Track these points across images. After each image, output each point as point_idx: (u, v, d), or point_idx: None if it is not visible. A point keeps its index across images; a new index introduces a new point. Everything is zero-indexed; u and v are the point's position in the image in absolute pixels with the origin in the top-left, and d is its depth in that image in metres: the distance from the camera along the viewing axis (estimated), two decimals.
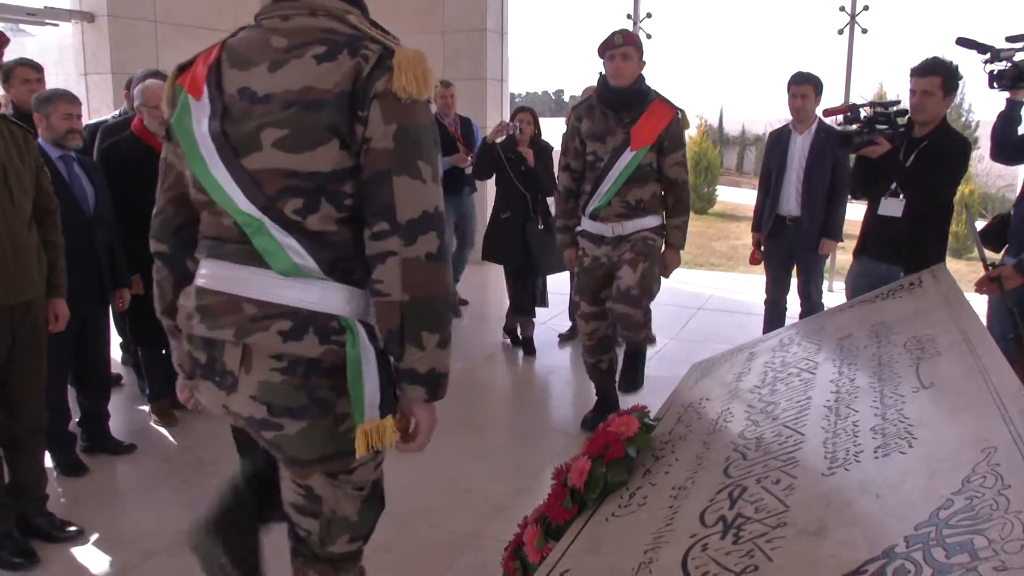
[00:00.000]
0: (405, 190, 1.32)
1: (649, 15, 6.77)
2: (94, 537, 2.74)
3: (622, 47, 3.25)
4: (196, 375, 1.46)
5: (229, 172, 1.37)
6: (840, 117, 3.30)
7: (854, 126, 3.16)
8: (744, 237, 13.07)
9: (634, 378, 3.69)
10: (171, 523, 2.79)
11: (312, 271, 1.36)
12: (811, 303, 4.13)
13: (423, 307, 1.34)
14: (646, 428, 2.14)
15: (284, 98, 1.35)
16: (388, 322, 1.34)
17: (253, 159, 1.36)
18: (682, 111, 3.37)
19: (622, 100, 3.32)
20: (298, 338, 1.35)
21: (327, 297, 1.37)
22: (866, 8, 6.37)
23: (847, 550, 1.16)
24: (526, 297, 4.80)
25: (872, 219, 3.27)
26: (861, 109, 3.19)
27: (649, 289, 3.34)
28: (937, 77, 3.03)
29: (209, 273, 1.44)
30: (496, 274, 5.96)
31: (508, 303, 4.96)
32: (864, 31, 6.39)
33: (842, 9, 6.43)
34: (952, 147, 3.09)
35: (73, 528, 2.75)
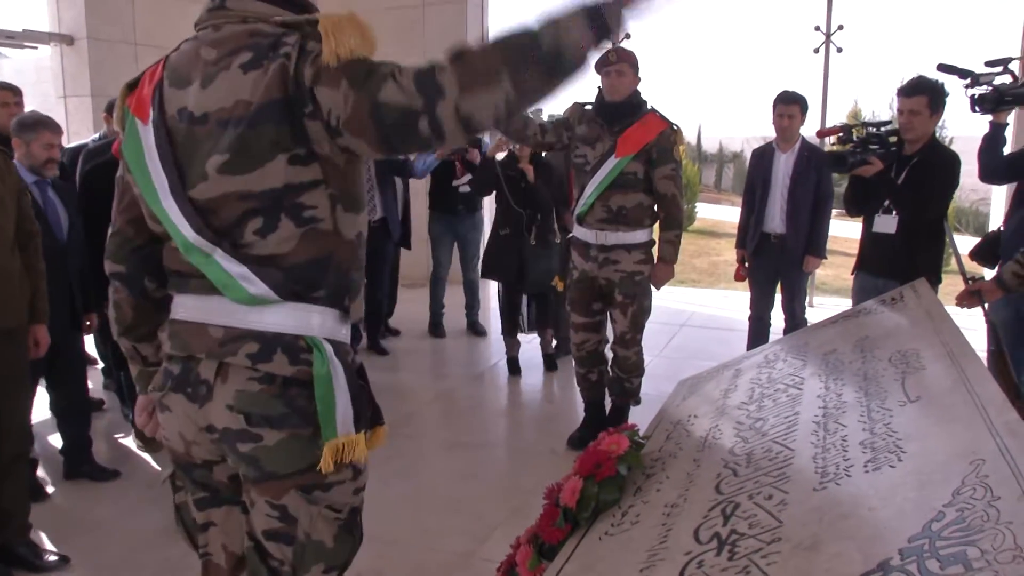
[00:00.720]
0: (393, 93, 1.20)
1: (628, 36, 6.85)
2: (78, 566, 2.70)
3: (616, 64, 3.36)
4: (167, 387, 1.41)
5: (176, 203, 1.33)
6: (833, 138, 3.38)
7: (847, 146, 3.24)
8: (724, 253, 13.17)
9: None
10: (157, 551, 2.76)
11: (269, 298, 1.32)
12: (795, 319, 4.18)
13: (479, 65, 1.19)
14: (636, 446, 2.16)
15: (219, 116, 1.29)
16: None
17: (202, 189, 1.32)
18: (676, 126, 3.44)
19: (616, 114, 3.42)
20: (267, 359, 1.33)
21: (290, 318, 1.34)
22: (840, 27, 6.49)
23: (842, 564, 1.17)
24: (515, 317, 4.82)
25: (867, 236, 3.36)
26: (854, 130, 3.28)
27: (640, 327, 3.58)
28: (923, 96, 3.12)
29: (179, 304, 1.42)
30: (489, 294, 5.98)
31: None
32: (839, 50, 6.51)
33: (817, 28, 6.55)
34: (941, 163, 3.18)
35: (55, 557, 2.71)
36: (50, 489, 3.26)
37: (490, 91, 1.17)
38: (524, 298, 4.88)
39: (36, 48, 6.41)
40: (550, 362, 4.91)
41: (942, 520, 1.15)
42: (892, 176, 3.19)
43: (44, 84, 7.14)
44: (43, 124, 3.05)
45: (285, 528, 1.40)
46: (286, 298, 1.33)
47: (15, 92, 3.86)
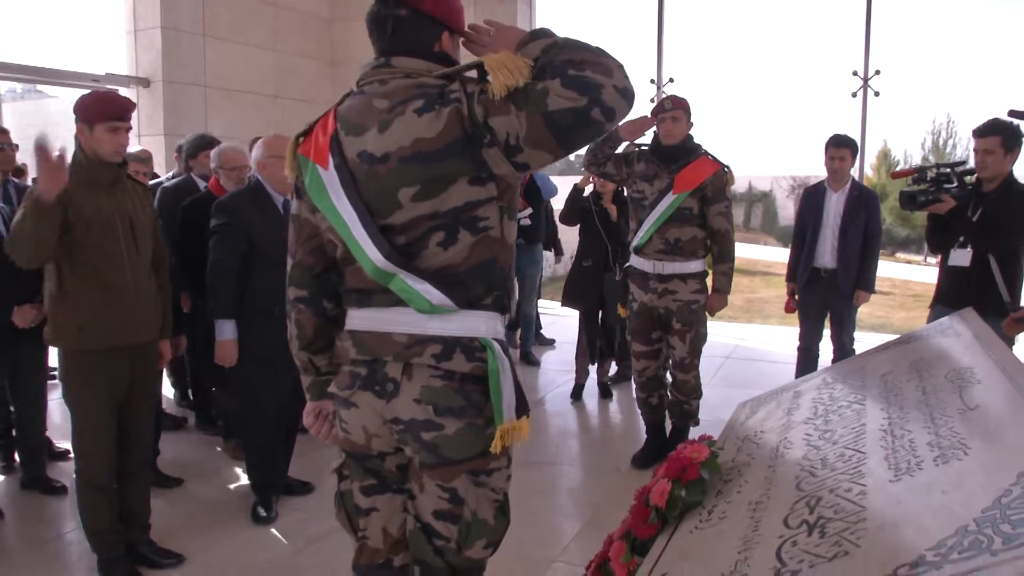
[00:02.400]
0: (558, 101, 1.46)
1: (672, 80, 7.17)
2: (191, 565, 2.96)
3: (672, 111, 3.66)
4: (355, 386, 1.67)
5: (367, 232, 1.60)
6: (910, 179, 3.59)
7: (922, 186, 3.43)
8: (759, 291, 13.36)
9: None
10: (260, 552, 3.02)
11: (448, 307, 1.59)
12: (844, 350, 4.39)
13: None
14: (714, 455, 2.40)
15: (400, 154, 1.57)
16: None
17: (397, 215, 1.60)
18: (728, 167, 3.72)
19: (672, 156, 3.69)
20: (448, 358, 1.60)
21: (465, 323, 1.61)
22: (878, 72, 6.77)
23: (925, 533, 1.40)
24: (597, 341, 5.10)
25: (944, 270, 3.56)
26: (928, 171, 3.49)
27: (698, 352, 3.85)
28: (996, 137, 3.33)
29: (358, 317, 1.69)
30: (558, 321, 6.25)
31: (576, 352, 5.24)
32: (876, 94, 6.78)
33: (855, 73, 6.84)
34: (1017, 200, 3.35)
35: (172, 559, 2.98)
36: None
37: (616, 67, 1.48)
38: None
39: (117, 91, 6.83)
40: (605, 390, 5.16)
41: (1010, 496, 1.38)
42: (968, 213, 3.39)
43: None
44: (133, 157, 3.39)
45: (453, 509, 1.66)
46: (461, 307, 1.60)
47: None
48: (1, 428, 3.60)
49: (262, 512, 3.38)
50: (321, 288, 1.79)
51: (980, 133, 3.39)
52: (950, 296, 3.47)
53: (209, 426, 4.49)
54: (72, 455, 3.81)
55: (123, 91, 6.87)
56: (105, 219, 2.70)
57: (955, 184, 3.47)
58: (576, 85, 1.45)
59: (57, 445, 4.01)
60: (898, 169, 4.30)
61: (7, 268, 3.28)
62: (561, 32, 1.56)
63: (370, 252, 1.60)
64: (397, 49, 1.65)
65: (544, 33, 1.59)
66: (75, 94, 7.31)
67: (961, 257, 3.44)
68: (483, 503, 1.69)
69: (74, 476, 2.86)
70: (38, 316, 3.39)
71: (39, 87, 6.16)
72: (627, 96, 1.49)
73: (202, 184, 4.21)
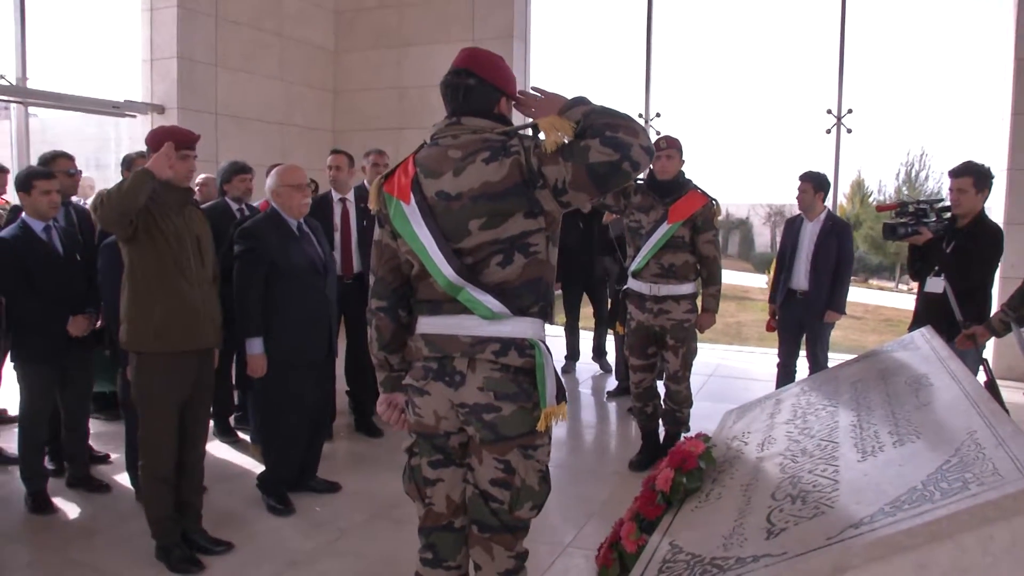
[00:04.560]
0: (597, 156, 1.87)
1: (659, 114, 7.65)
2: (240, 551, 3.28)
3: (666, 149, 4.08)
4: (428, 378, 2.05)
5: (442, 253, 1.99)
6: (893, 212, 4.03)
7: (904, 219, 3.85)
8: (737, 315, 13.86)
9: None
10: (302, 541, 3.36)
11: (504, 314, 1.98)
12: (818, 363, 4.81)
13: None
14: (709, 449, 2.79)
15: (470, 194, 1.97)
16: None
17: (467, 240, 1.99)
18: (716, 201, 4.14)
19: (667, 189, 4.10)
20: (505, 355, 1.98)
21: (518, 328, 2.00)
22: (850, 111, 7.29)
23: (884, 494, 1.80)
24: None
25: (921, 295, 3.96)
26: (910, 205, 3.92)
27: (689, 365, 4.25)
28: (969, 177, 3.72)
29: (430, 323, 2.07)
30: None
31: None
32: (849, 131, 7.29)
33: (829, 111, 7.35)
34: (985, 234, 3.73)
35: (222, 546, 3.27)
36: None
37: (641, 130, 1.92)
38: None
39: (135, 117, 7.18)
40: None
41: (949, 464, 1.78)
42: (943, 245, 3.79)
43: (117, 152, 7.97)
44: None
45: (507, 477, 2.04)
46: (515, 314, 1.99)
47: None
48: (51, 432, 3.89)
49: (279, 506, 3.68)
50: (397, 300, 2.17)
51: (955, 174, 3.78)
52: (925, 320, 3.78)
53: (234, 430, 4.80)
54: (103, 457, 4.14)
55: (140, 117, 7.24)
56: (179, 235, 3.04)
57: (933, 218, 3.89)
58: (611, 144, 1.88)
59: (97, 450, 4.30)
60: (881, 203, 4.72)
61: (62, 282, 3.64)
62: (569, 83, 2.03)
63: (444, 269, 1.99)
64: (466, 110, 2.07)
65: (582, 101, 2.01)
66: (52, 115, 7.59)
67: (935, 284, 3.82)
68: (530, 472, 2.07)
69: (138, 469, 3.19)
70: (90, 326, 3.73)
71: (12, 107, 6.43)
72: (649, 152, 1.93)
73: (235, 206, 4.56)
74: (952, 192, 3.79)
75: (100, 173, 8.05)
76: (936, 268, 3.83)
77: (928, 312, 3.83)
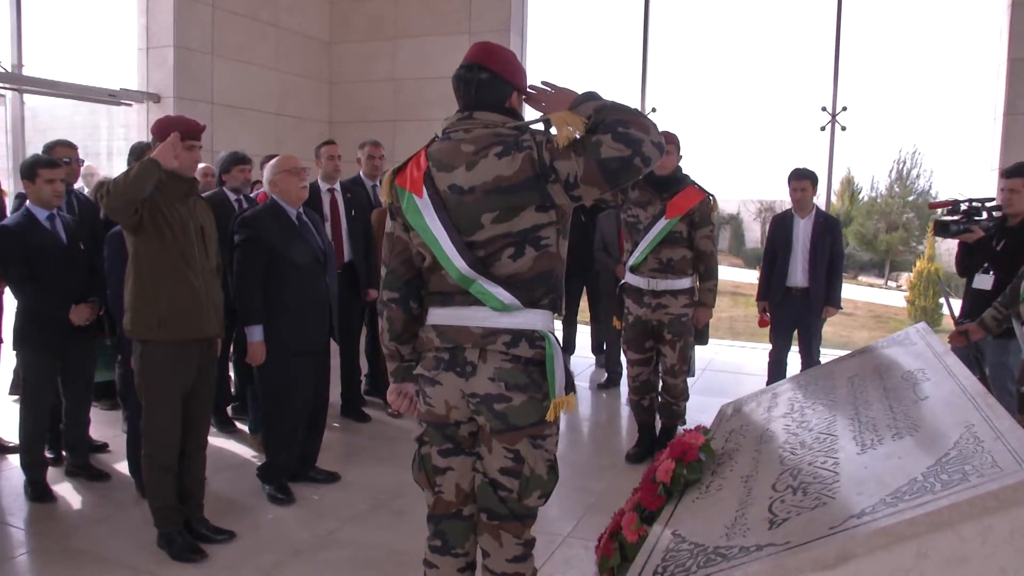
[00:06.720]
0: (608, 151, 1.89)
1: (654, 109, 7.68)
2: (241, 540, 3.30)
3: (665, 145, 4.10)
4: (440, 368, 2.08)
5: (454, 246, 2.02)
6: (944, 210, 4.13)
7: (955, 217, 3.94)
8: (727, 310, 13.93)
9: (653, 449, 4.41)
10: (303, 530, 3.39)
11: (515, 306, 2.01)
12: (811, 358, 4.88)
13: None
14: (709, 441, 2.83)
15: (483, 188, 1.99)
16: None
17: (479, 234, 2.01)
18: (713, 196, 4.18)
19: (664, 185, 4.13)
20: (516, 346, 2.01)
21: (528, 319, 2.03)
22: (844, 109, 7.35)
23: (885, 485, 1.84)
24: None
25: (969, 291, 4.04)
26: (961, 203, 3.99)
27: (686, 359, 4.27)
28: (1021, 178, 3.83)
29: (441, 314, 2.09)
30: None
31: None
32: (843, 128, 7.35)
33: (824, 109, 7.41)
34: None
35: (224, 535, 3.29)
36: None
37: (652, 127, 1.96)
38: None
39: (131, 105, 7.16)
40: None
41: (948, 456, 1.83)
42: (993, 243, 3.88)
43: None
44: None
45: (516, 467, 2.07)
46: (526, 306, 2.02)
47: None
48: (51, 421, 3.90)
49: (280, 496, 3.71)
50: (409, 291, 2.20)
51: (1007, 174, 3.91)
52: (974, 316, 3.87)
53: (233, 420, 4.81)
54: (102, 443, 4.15)
55: (135, 106, 7.22)
56: (184, 225, 3.05)
57: (984, 217, 3.99)
58: (623, 139, 1.91)
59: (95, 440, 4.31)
60: (936, 201, 4.78)
61: (65, 271, 3.65)
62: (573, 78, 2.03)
63: (456, 262, 2.02)
64: (478, 105, 2.09)
65: (593, 96, 2.03)
66: (43, 102, 7.54)
67: (984, 281, 3.92)
68: (539, 462, 2.10)
69: (138, 461, 3.21)
70: (92, 315, 3.74)
71: None
72: (660, 148, 1.95)
73: (233, 197, 4.57)
74: (1004, 192, 3.90)
75: (90, 161, 8.04)
76: (985, 265, 3.92)
77: (975, 308, 3.89)
